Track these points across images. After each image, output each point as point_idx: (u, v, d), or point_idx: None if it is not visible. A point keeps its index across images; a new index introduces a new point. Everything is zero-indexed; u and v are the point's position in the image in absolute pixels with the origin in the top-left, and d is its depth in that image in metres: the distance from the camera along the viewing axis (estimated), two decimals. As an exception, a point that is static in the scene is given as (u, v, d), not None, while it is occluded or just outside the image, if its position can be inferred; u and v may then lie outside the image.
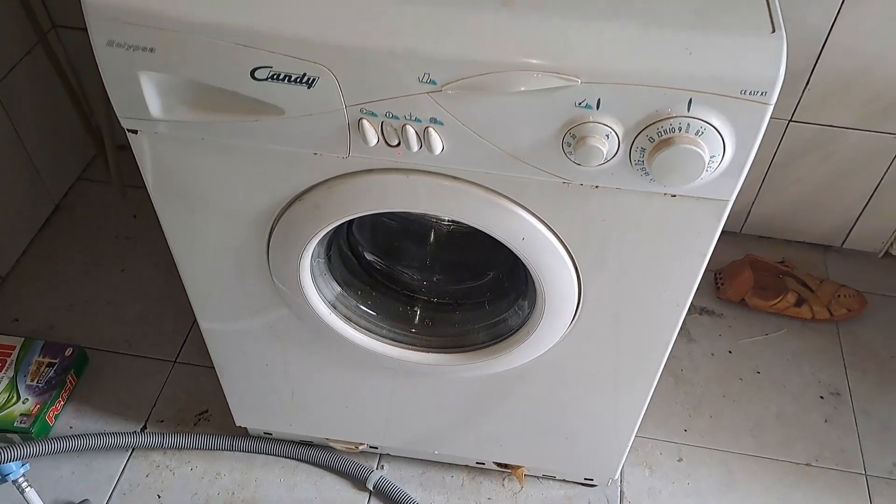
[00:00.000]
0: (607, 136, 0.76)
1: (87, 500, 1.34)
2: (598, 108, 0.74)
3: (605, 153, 0.76)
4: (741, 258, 1.72)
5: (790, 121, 1.56)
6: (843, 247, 1.80)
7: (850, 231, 1.76)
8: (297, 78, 0.76)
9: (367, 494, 1.38)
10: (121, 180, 1.80)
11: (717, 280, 1.71)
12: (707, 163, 0.75)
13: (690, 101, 0.73)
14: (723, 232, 1.90)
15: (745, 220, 1.79)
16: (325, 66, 0.75)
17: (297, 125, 0.81)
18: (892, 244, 1.76)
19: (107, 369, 1.54)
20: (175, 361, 1.56)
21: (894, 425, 1.50)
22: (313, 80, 0.76)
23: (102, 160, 1.86)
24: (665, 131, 0.75)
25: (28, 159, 1.70)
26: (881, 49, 1.41)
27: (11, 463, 1.25)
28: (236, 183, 0.91)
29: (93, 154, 1.92)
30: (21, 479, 1.27)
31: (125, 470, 1.40)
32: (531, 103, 0.75)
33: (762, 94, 0.72)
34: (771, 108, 0.73)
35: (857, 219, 1.73)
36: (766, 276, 1.68)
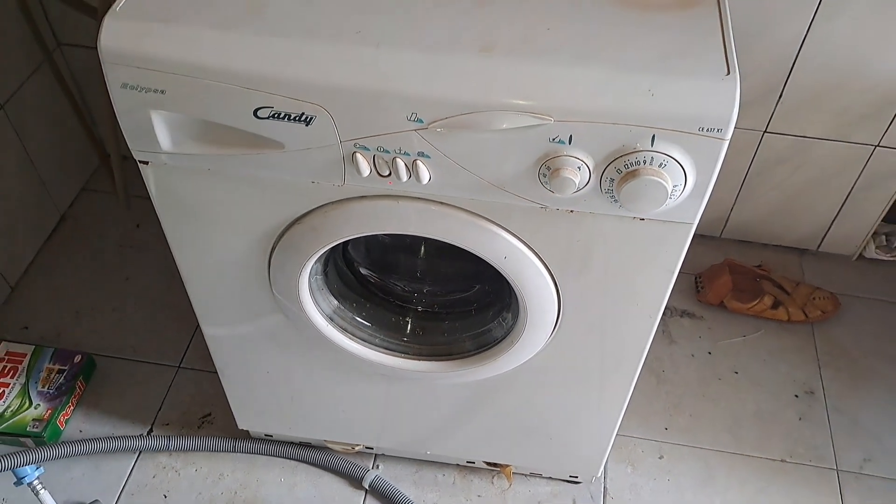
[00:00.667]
0: (579, 167, 0.83)
1: (97, 500, 1.40)
2: (570, 143, 0.82)
3: (577, 183, 0.84)
4: (720, 262, 1.79)
5: (765, 132, 1.63)
6: (819, 250, 1.87)
7: (824, 235, 1.83)
8: (296, 117, 0.83)
9: (363, 492, 1.44)
10: (125, 190, 1.86)
11: (698, 283, 1.78)
12: (670, 192, 0.83)
13: (654, 136, 0.80)
14: (703, 236, 1.99)
15: (725, 226, 1.86)
16: (321, 106, 0.82)
17: (296, 158, 0.88)
18: (864, 247, 1.83)
19: (114, 375, 1.60)
20: (179, 366, 1.62)
21: (865, 422, 1.58)
22: (311, 118, 0.83)
23: (106, 171, 1.92)
24: (631, 164, 0.82)
25: (35, 172, 1.76)
26: (849, 65, 1.48)
27: (27, 466, 1.32)
28: (240, 207, 0.98)
29: (96, 165, 1.98)
30: (36, 482, 1.33)
31: (133, 471, 1.46)
32: (510, 139, 0.82)
33: (718, 130, 0.79)
34: (727, 143, 0.80)
35: (832, 223, 1.80)
36: (744, 280, 1.75)
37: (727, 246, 1.87)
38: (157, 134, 0.88)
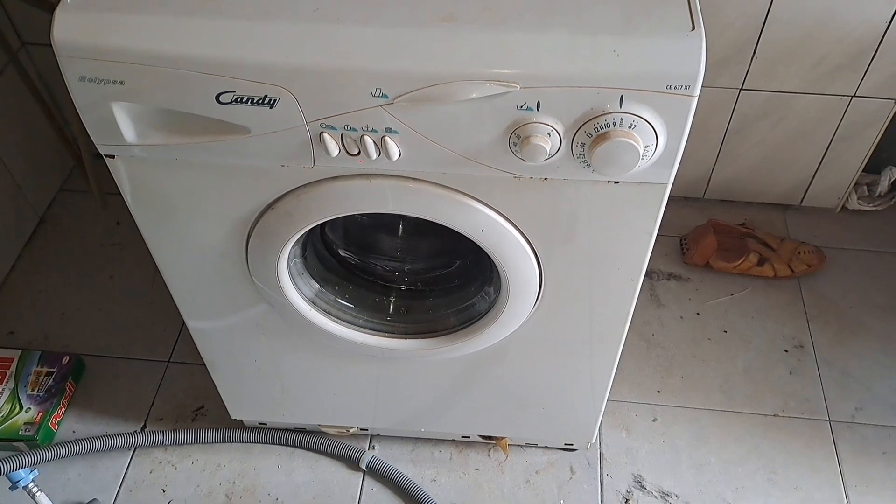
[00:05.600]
0: (549, 134, 0.82)
1: (95, 499, 1.40)
2: (538, 109, 0.81)
3: (548, 150, 0.83)
4: (704, 223, 1.79)
5: (741, 89, 1.62)
6: (802, 205, 1.87)
7: (807, 189, 1.83)
8: (259, 100, 0.82)
9: (360, 474, 1.45)
10: (100, 190, 1.84)
11: (683, 245, 1.77)
12: (642, 153, 0.82)
13: (622, 98, 0.79)
14: (686, 198, 1.98)
15: (707, 186, 1.85)
16: (284, 88, 0.81)
17: (263, 142, 0.86)
18: (847, 199, 1.83)
19: (104, 374, 1.59)
20: (169, 361, 1.61)
21: (855, 372, 1.58)
22: (274, 100, 0.82)
23: (81, 171, 1.90)
24: (601, 126, 0.81)
25: (9, 176, 1.74)
26: (818, 18, 1.48)
27: (21, 470, 1.31)
28: (211, 196, 0.97)
29: (71, 165, 1.96)
30: (31, 485, 1.33)
31: (129, 468, 1.46)
32: (477, 109, 0.81)
33: (686, 87, 0.78)
34: (696, 100, 0.80)
35: (813, 177, 1.80)
36: (728, 239, 1.75)
37: (710, 206, 1.87)
38: (120, 126, 0.86)
